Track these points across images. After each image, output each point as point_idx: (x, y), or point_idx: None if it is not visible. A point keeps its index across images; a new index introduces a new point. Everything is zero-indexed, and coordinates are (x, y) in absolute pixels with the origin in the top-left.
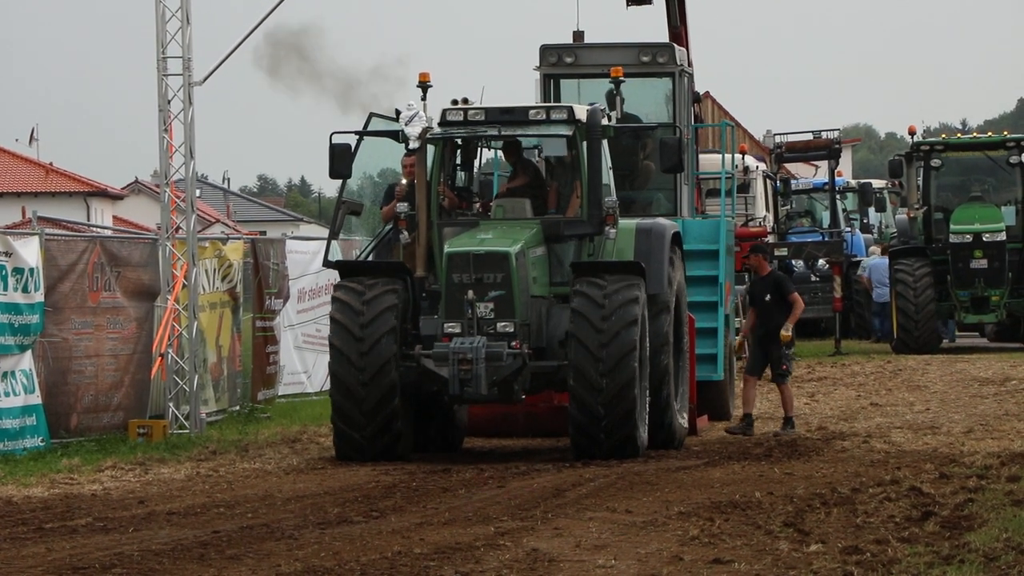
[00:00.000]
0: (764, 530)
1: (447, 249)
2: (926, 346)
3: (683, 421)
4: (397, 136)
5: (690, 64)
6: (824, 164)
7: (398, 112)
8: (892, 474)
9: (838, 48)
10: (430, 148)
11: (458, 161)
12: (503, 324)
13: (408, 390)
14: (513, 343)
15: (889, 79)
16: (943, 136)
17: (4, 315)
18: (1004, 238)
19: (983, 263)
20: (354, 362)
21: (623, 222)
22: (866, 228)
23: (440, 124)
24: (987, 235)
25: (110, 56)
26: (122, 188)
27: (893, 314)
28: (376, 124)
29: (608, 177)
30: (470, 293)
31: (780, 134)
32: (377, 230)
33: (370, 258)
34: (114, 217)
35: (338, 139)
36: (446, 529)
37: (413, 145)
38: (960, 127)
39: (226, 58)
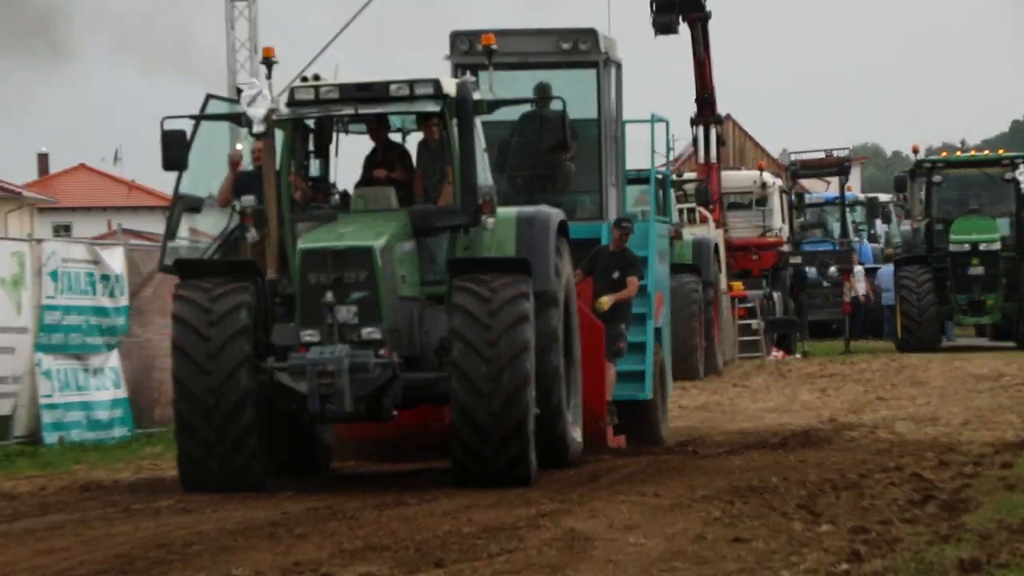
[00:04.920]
0: (779, 512)
1: (300, 246)
2: (928, 345)
3: (576, 435)
4: (239, 119)
5: (712, 93)
6: (835, 180)
7: (239, 91)
8: (896, 461)
9: (849, 74)
10: (279, 133)
11: (311, 147)
12: (368, 330)
13: (263, 407)
14: (381, 351)
15: (894, 102)
16: (944, 154)
17: (93, 318)
18: (999, 247)
19: (980, 270)
20: (201, 364)
21: (502, 211)
22: (873, 238)
23: (288, 104)
24: (983, 245)
25: (186, 85)
26: None
27: (897, 316)
28: (215, 107)
29: (484, 161)
30: (328, 295)
31: (795, 152)
32: (222, 227)
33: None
34: (190, 229)
35: (170, 125)
36: (492, 511)
37: (257, 129)
38: (959, 146)
39: (289, 85)
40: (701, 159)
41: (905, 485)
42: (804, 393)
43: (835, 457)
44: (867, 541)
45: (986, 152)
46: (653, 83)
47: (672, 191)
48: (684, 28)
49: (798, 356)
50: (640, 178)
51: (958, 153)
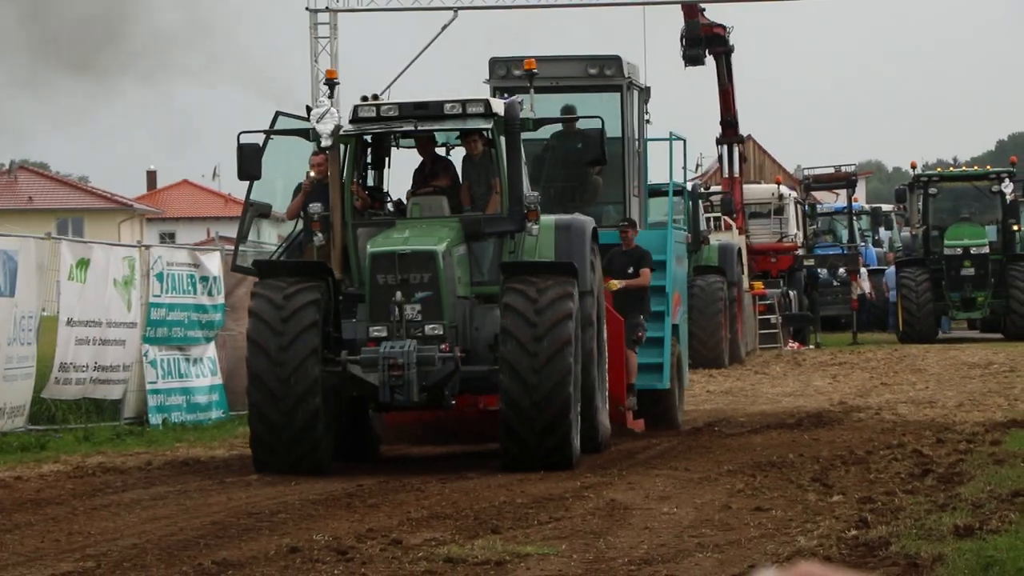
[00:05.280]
0: (796, 484)
1: (370, 249)
2: (926, 337)
3: (605, 421)
4: (307, 134)
5: (735, 117)
6: (843, 192)
7: (309, 109)
8: (898, 439)
9: (855, 100)
10: (342, 146)
11: (369, 160)
12: (432, 327)
13: (329, 396)
14: (442, 346)
15: (895, 124)
16: (939, 169)
17: (194, 314)
18: (987, 251)
19: (971, 271)
20: (273, 357)
21: (542, 219)
22: (877, 243)
23: (352, 121)
24: (974, 248)
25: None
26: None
27: (899, 312)
28: (284, 123)
29: (525, 173)
30: (398, 295)
31: (808, 168)
32: (289, 232)
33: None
34: (278, 235)
35: (246, 139)
36: (542, 483)
37: (325, 143)
38: (952, 162)
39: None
40: (725, 174)
41: (907, 460)
42: (817, 379)
43: (845, 436)
44: (873, 510)
45: (975, 167)
46: (684, 107)
47: (700, 202)
48: (710, 60)
49: (811, 347)
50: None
51: (951, 168)
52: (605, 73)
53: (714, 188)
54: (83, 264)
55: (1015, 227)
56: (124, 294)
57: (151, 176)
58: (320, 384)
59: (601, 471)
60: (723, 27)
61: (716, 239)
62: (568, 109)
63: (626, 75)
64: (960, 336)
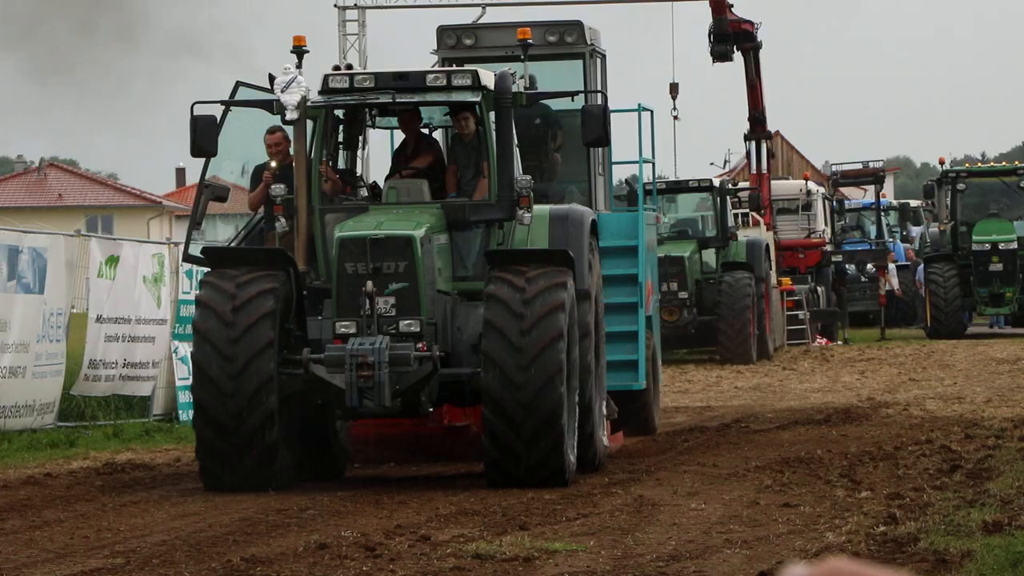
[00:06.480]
0: (824, 480)
1: (338, 234)
2: (954, 333)
3: (603, 437)
4: (271, 106)
5: (763, 112)
6: (871, 188)
7: (272, 78)
8: (927, 435)
9: (883, 97)
10: (309, 122)
11: (340, 139)
12: (407, 322)
13: (290, 404)
14: (419, 345)
15: (923, 120)
16: (967, 165)
17: None
18: (1016, 247)
19: (999, 267)
20: (222, 386)
21: (535, 208)
22: (905, 239)
23: (321, 91)
24: (1002, 244)
25: None
26: None
27: (927, 307)
28: (245, 94)
29: (517, 154)
30: (368, 285)
31: (836, 164)
32: (248, 219)
33: None
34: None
35: (201, 110)
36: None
37: (291, 116)
38: (980, 158)
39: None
40: (753, 170)
41: (935, 456)
42: (845, 375)
43: (873, 431)
44: (902, 506)
45: (1003, 163)
46: (710, 104)
47: (728, 198)
48: (738, 56)
49: (839, 343)
50: (701, 187)
51: (979, 164)
52: (566, 40)
53: (742, 184)
54: (112, 261)
55: None
56: (153, 291)
57: (180, 173)
58: (277, 414)
59: (629, 467)
60: (752, 23)
61: (744, 235)
62: (528, 79)
63: (588, 42)
64: (989, 332)
